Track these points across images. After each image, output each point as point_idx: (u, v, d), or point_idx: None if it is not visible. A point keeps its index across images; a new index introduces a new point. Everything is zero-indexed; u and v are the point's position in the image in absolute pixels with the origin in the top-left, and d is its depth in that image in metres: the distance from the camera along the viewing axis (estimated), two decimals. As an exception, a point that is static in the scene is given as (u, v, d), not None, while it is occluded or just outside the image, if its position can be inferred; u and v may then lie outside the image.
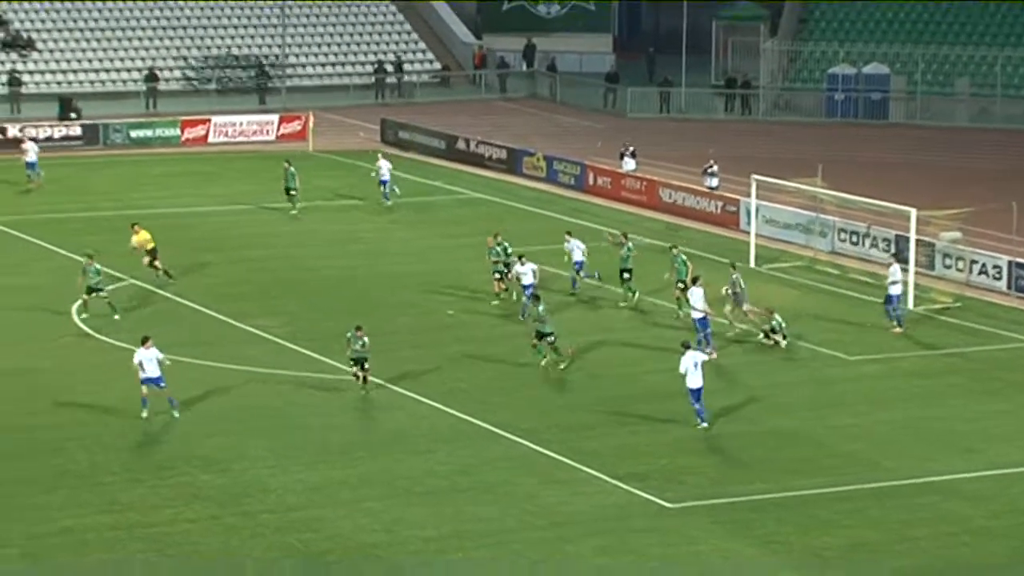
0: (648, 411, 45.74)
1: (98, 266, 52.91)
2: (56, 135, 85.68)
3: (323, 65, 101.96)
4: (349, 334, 45.81)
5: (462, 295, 56.52)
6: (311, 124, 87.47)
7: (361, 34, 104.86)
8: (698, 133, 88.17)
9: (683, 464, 41.57)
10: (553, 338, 48.10)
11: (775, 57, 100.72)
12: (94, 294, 52.73)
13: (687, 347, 44.28)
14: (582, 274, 56.93)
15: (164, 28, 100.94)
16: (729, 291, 52.93)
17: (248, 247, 63.12)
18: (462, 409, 45.37)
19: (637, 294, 55.37)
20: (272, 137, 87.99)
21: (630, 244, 56.41)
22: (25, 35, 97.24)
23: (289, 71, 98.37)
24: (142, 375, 43.42)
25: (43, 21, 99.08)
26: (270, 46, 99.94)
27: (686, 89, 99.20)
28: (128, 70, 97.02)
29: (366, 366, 45.58)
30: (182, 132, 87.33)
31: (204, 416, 44.62)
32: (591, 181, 76.13)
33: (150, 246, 56.57)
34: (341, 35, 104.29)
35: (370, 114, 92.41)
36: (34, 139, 77.14)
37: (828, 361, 51.09)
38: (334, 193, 75.14)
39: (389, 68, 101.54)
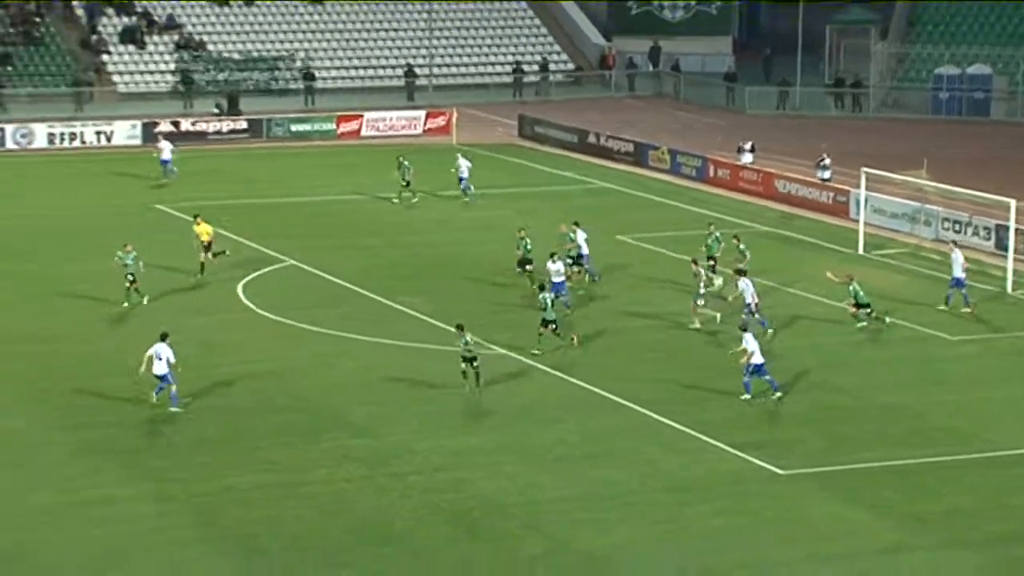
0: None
1: (135, 253, 52.15)
2: (224, 129, 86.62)
3: (465, 66, 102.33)
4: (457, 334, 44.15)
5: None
6: (454, 119, 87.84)
7: (500, 37, 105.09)
8: (811, 129, 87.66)
9: (795, 435, 41.61)
10: (555, 326, 47.65)
11: (884, 58, 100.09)
12: (130, 280, 51.93)
13: (744, 329, 44.56)
14: (586, 266, 56.33)
15: (321, 31, 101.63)
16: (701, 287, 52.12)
17: (397, 233, 63.58)
18: (589, 381, 45.53)
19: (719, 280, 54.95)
20: (419, 131, 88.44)
21: (717, 234, 56.33)
22: (197, 37, 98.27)
23: (435, 71, 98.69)
24: (153, 369, 42.22)
25: (212, 24, 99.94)
26: (418, 48, 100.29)
27: (800, 88, 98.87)
28: (288, 69, 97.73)
29: (475, 364, 43.75)
30: (337, 126, 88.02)
31: (356, 385, 45.02)
32: (711, 173, 76.01)
33: (206, 238, 55.99)
34: (483, 38, 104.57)
35: (508, 110, 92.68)
36: (169, 138, 77.18)
37: (931, 342, 50.71)
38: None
39: (526, 68, 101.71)
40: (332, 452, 39.72)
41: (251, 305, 52.90)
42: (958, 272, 53.31)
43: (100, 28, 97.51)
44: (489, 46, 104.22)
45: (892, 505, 36.84)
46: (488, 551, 34.25)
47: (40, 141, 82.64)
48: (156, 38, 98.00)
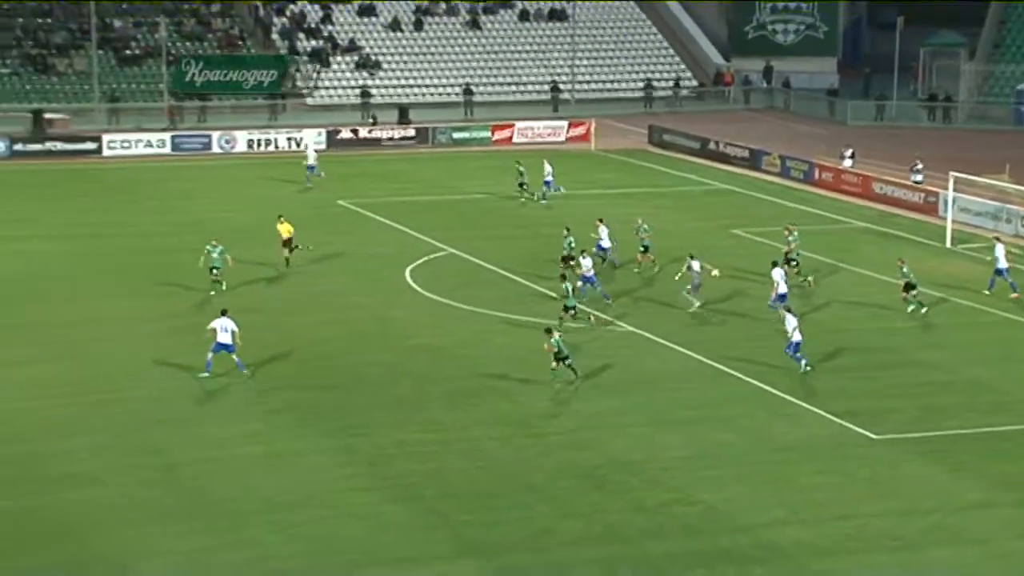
0: (859, 361, 45.54)
1: (221, 248, 51.81)
2: (396, 136, 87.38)
3: (603, 82, 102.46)
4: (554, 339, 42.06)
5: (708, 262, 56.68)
6: (593, 129, 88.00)
7: (633, 58, 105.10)
8: (905, 138, 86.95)
9: (889, 405, 41.31)
10: (574, 311, 47.60)
11: (972, 76, 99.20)
12: (214, 271, 51.48)
13: (789, 311, 44.49)
14: (611, 257, 56.04)
15: (478, 52, 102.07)
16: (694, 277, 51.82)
17: (539, 225, 63.82)
18: (706, 355, 45.53)
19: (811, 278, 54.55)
20: (562, 139, 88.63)
21: (795, 233, 55.75)
22: (374, 58, 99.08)
23: (576, 87, 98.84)
24: (218, 339, 42.21)
25: (387, 46, 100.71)
26: (562, 66, 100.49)
27: (896, 102, 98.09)
28: (450, 85, 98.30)
29: (568, 361, 42.00)
30: (492, 134, 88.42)
31: (506, 358, 45.24)
32: (817, 176, 75.65)
33: (286, 236, 55.33)
34: (618, 58, 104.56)
35: (640, 121, 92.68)
36: (317, 149, 77.75)
37: (1014, 325, 50.30)
38: (599, 182, 75.54)
39: (655, 84, 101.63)
40: (486, 415, 40.09)
41: (417, 287, 53.34)
42: (1002, 263, 53.03)
43: (289, 50, 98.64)
44: (623, 65, 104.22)
45: (977, 468, 36.65)
46: (615, 501, 34.43)
47: (241, 146, 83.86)
48: (339, 58, 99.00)
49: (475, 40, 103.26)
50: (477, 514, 33.54)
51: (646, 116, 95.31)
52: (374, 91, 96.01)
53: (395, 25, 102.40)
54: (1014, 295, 52.76)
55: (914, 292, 50.78)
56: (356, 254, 58.00)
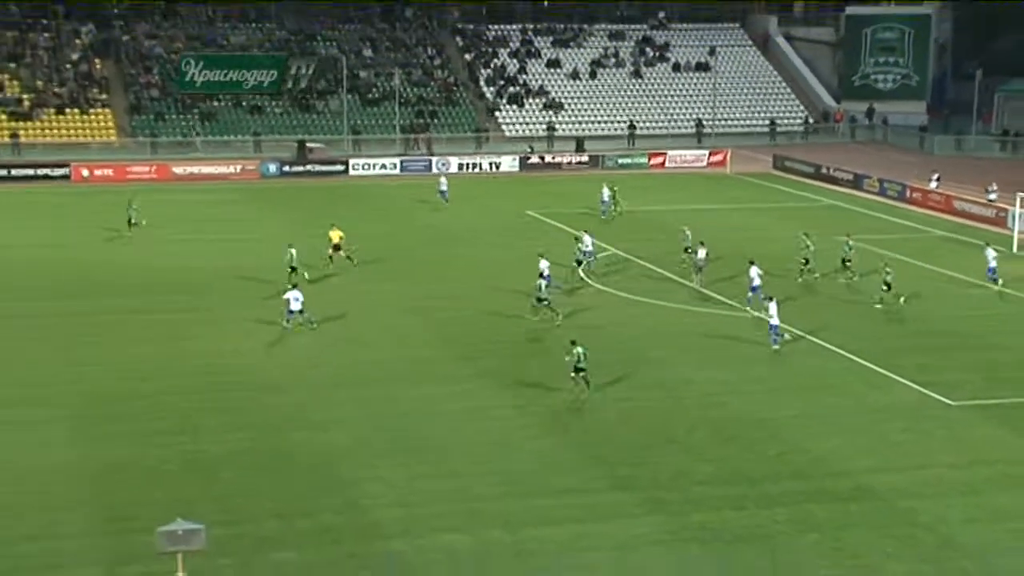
0: (939, 343, 44.73)
1: (294, 252, 50.26)
2: (574, 161, 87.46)
3: (737, 120, 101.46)
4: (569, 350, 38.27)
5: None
6: (729, 156, 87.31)
7: (762, 100, 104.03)
8: (983, 167, 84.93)
9: (963, 377, 40.68)
10: (548, 302, 45.82)
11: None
12: (292, 272, 49.70)
13: (770, 299, 43.79)
14: (589, 262, 53.84)
15: (639, 96, 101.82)
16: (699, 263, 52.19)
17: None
18: (814, 335, 44.95)
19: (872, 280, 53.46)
20: (704, 165, 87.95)
21: (850, 242, 54.08)
22: (558, 100, 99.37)
23: (716, 123, 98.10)
24: (291, 307, 44.04)
25: (568, 91, 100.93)
26: (705, 106, 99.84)
27: (975, 137, 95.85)
28: (617, 122, 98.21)
29: (583, 373, 37.73)
30: (649, 160, 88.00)
31: (652, 335, 45.05)
32: (909, 195, 74.20)
33: (335, 241, 53.57)
34: (749, 101, 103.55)
35: (766, 151, 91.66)
36: (446, 175, 75.52)
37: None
38: (734, 199, 74.85)
39: (778, 122, 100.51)
40: (636, 382, 40.06)
41: (586, 279, 53.34)
42: (991, 263, 52.29)
43: (493, 94, 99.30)
44: (754, 106, 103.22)
45: (1035, 430, 36.02)
46: (741, 450, 34.30)
47: (453, 168, 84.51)
48: (530, 100, 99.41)
49: (637, 86, 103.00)
50: (628, 457, 33.63)
51: (771, 147, 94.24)
52: (557, 126, 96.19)
53: (575, 75, 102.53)
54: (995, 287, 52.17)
55: (849, 270, 51.64)
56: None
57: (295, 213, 67.87)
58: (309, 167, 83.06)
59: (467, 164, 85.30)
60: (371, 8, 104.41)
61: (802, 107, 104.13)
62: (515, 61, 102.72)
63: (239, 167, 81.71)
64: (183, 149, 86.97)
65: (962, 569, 27.81)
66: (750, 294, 48.22)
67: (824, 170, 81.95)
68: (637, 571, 27.51)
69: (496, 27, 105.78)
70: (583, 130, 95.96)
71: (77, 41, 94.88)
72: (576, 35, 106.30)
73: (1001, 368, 41.91)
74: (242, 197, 73.35)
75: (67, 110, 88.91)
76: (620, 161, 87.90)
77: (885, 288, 49.14)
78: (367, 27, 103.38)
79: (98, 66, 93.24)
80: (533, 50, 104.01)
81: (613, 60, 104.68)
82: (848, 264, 53.20)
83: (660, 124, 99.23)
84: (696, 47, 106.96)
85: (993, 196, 69.86)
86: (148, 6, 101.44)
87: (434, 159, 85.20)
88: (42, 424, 35.39)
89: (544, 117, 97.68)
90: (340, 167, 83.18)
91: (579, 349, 37.45)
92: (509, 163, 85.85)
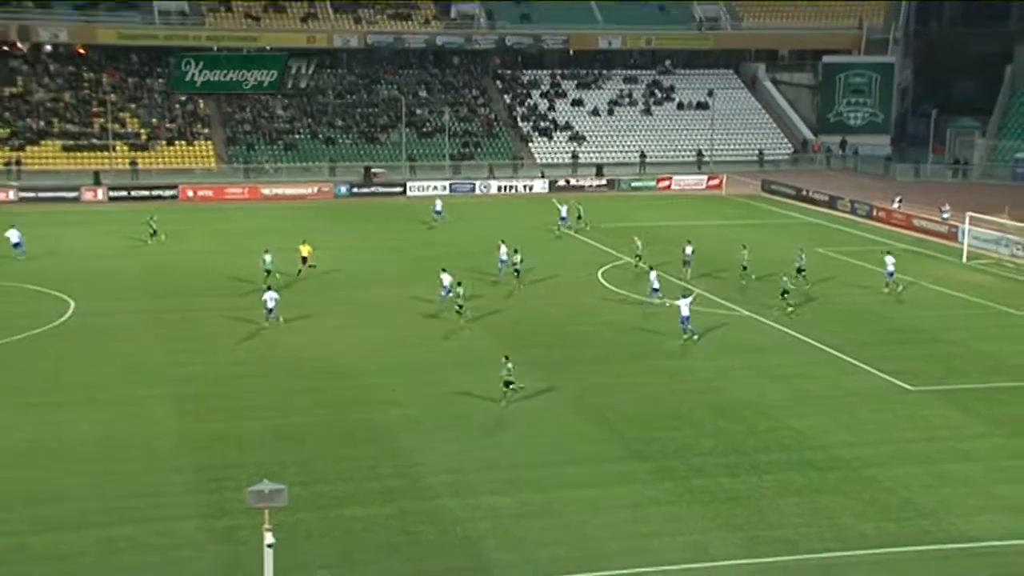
0: (901, 337, 44.32)
1: (268, 257, 50.05)
2: (594, 184, 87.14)
3: (732, 150, 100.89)
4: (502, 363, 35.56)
5: (788, 269, 55.48)
6: (724, 181, 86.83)
7: (751, 134, 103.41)
8: (937, 190, 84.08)
9: (921, 367, 40.37)
10: (461, 307, 44.20)
11: (983, 148, 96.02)
12: (268, 275, 49.40)
13: (685, 295, 43.83)
14: (501, 268, 52.40)
15: (649, 130, 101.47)
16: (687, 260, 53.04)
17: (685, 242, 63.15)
18: (797, 331, 44.68)
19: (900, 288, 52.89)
20: (703, 187, 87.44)
21: (803, 254, 52.84)
22: (581, 133, 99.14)
23: (714, 153, 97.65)
24: (266, 307, 42.96)
25: (589, 126, 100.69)
26: (704, 139, 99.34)
27: (931, 165, 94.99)
28: (630, 151, 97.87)
29: (511, 386, 35.16)
30: (657, 184, 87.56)
31: (662, 330, 44.83)
32: (875, 214, 73.55)
33: (305, 254, 52.26)
34: (741, 135, 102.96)
35: (755, 176, 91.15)
36: (440, 198, 72.98)
37: (1004, 315, 48.52)
38: (728, 216, 74.48)
39: (765, 152, 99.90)
40: (649, 367, 39.96)
41: (606, 283, 53.21)
42: (890, 268, 51.66)
43: (526, 128, 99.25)
44: (745, 139, 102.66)
45: (980, 411, 35.82)
46: (735, 426, 34.15)
47: (493, 190, 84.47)
48: (558, 134, 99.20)
49: (648, 122, 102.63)
50: (641, 432, 33.48)
51: (760, 173, 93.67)
52: (580, 155, 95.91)
53: (595, 112, 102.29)
54: (886, 290, 51.40)
55: (804, 277, 51.07)
56: (566, 262, 57.90)
57: (362, 225, 67.97)
58: (374, 189, 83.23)
59: (504, 186, 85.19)
60: (426, 56, 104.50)
61: (786, 139, 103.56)
62: (545, 100, 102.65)
63: (316, 188, 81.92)
64: (271, 174, 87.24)
65: (920, 527, 27.58)
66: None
67: (804, 192, 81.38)
68: (648, 527, 27.40)
69: (530, 72, 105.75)
70: (602, 158, 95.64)
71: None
72: (596, 79, 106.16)
73: (953, 359, 41.55)
74: (318, 214, 73.49)
75: (176, 142, 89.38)
76: (633, 184, 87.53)
77: (784, 294, 48.06)
78: (422, 72, 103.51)
79: (201, 106, 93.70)
80: (560, 91, 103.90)
81: (627, 100, 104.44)
82: (803, 272, 52.15)
83: (666, 153, 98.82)
84: (697, 89, 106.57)
85: (946, 215, 69.19)
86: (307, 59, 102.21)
87: (478, 182, 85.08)
88: (147, 400, 35.56)
89: (569, 147, 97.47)
90: (399, 189, 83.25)
91: (510, 364, 34.99)
92: (540, 185, 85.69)
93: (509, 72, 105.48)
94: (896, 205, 73.82)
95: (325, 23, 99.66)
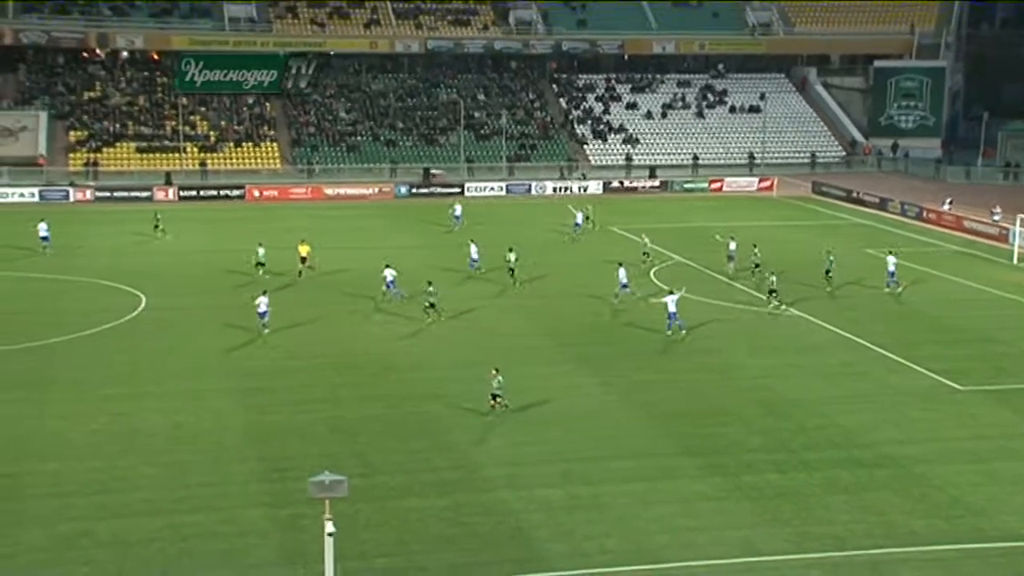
0: (950, 337, 43.63)
1: (261, 251, 50.82)
2: (647, 186, 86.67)
3: (783, 153, 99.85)
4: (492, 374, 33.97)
5: (841, 270, 54.79)
6: (776, 183, 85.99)
7: (803, 136, 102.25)
8: (988, 192, 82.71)
9: (970, 366, 39.76)
10: (432, 306, 43.87)
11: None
12: (259, 267, 50.58)
13: (671, 292, 43.50)
14: (477, 265, 52.17)
15: (702, 133, 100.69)
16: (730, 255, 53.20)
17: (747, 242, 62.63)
18: (845, 329, 44.14)
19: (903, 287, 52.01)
20: (755, 189, 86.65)
21: (831, 256, 51.94)
22: (635, 136, 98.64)
23: (765, 156, 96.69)
24: (259, 311, 42.08)
25: (644, 129, 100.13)
26: (755, 142, 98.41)
27: (982, 168, 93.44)
28: (683, 154, 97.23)
29: (499, 399, 33.65)
30: (709, 185, 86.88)
31: (708, 328, 44.49)
32: (925, 215, 72.45)
33: (304, 253, 51.22)
34: (793, 137, 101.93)
35: (807, 178, 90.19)
36: (460, 204, 69.23)
37: (1054, 315, 47.78)
38: (778, 217, 73.78)
39: (818, 155, 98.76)
40: (697, 364, 39.66)
41: (657, 282, 52.73)
42: (891, 268, 50.68)
43: (582, 131, 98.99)
44: (797, 142, 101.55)
45: (1027, 410, 35.02)
46: (784, 423, 33.80)
47: (548, 191, 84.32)
48: (612, 136, 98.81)
49: (700, 125, 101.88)
50: (690, 428, 33.25)
51: (811, 175, 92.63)
52: (634, 158, 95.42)
53: (649, 115, 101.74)
54: (887, 289, 50.41)
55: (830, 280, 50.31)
56: (616, 263, 57.65)
57: (420, 226, 68.11)
58: (433, 189, 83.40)
59: (558, 188, 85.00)
60: (484, 61, 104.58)
61: (836, 142, 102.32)
62: (600, 104, 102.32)
63: (377, 189, 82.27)
64: (334, 174, 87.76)
65: (971, 525, 27.13)
66: (618, 290, 47.61)
67: (855, 194, 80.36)
68: (697, 521, 27.17)
69: (585, 76, 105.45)
70: (655, 160, 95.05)
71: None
72: (651, 83, 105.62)
73: (1003, 359, 40.83)
74: (379, 213, 73.80)
75: (243, 143, 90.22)
76: (685, 186, 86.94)
77: (771, 293, 47.47)
78: (481, 76, 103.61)
79: (268, 108, 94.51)
80: (615, 95, 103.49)
81: (681, 103, 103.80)
82: (830, 275, 51.16)
83: (719, 156, 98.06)
84: (749, 93, 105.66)
85: (997, 217, 68.14)
86: (308, 60, 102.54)
87: (533, 183, 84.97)
88: (213, 393, 35.87)
89: (623, 150, 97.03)
90: (457, 189, 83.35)
91: (500, 378, 33.43)
92: (594, 187, 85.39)
93: (565, 76, 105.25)
94: (947, 207, 72.73)
95: (387, 29, 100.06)
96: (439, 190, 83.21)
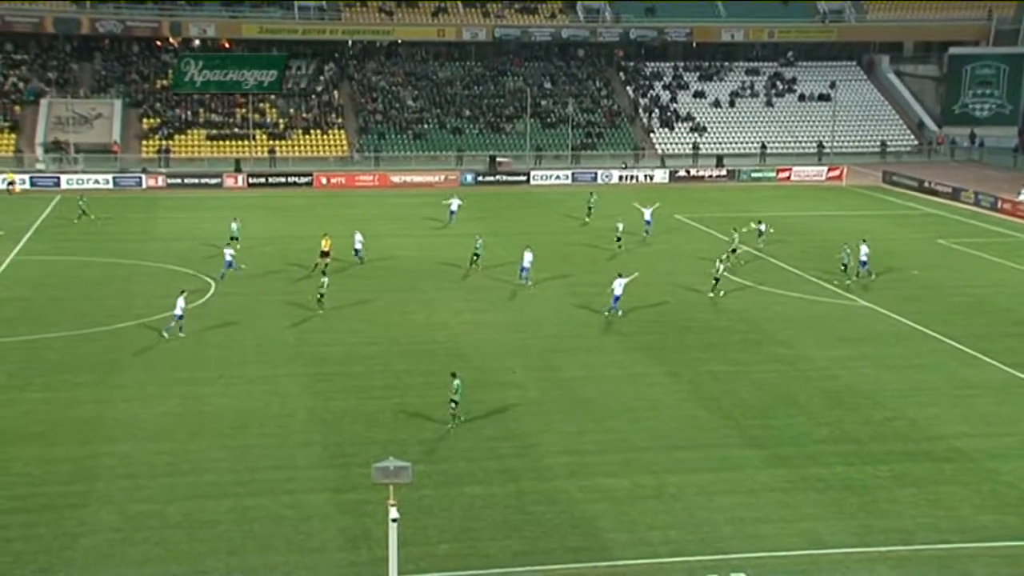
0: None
1: (235, 225, 54.76)
2: (714, 175, 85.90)
3: (853, 142, 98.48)
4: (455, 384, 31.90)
5: (913, 260, 53.90)
6: (845, 172, 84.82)
7: (874, 125, 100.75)
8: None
9: (1041, 360, 38.93)
10: (321, 296, 43.12)
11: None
12: (232, 240, 53.49)
13: (620, 276, 43.52)
14: (361, 255, 51.15)
15: (771, 121, 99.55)
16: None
17: (806, 233, 61.79)
18: (915, 321, 43.46)
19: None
20: (823, 179, 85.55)
21: (848, 249, 50.65)
22: (702, 124, 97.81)
23: (835, 145, 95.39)
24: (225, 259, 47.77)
25: (711, 117, 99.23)
26: (825, 130, 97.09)
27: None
28: (751, 143, 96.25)
29: (455, 406, 31.85)
30: (777, 174, 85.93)
31: (781, 319, 43.96)
32: (1000, 206, 71.08)
33: (326, 248, 49.89)
34: (864, 126, 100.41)
35: (877, 168, 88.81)
36: (458, 195, 66.79)
37: None
38: (847, 207, 72.73)
39: (888, 144, 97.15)
40: (766, 356, 39.29)
41: (725, 273, 52.24)
42: (863, 257, 49.82)
43: (648, 119, 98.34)
44: (867, 130, 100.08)
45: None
46: (851, 415, 33.41)
47: (613, 180, 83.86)
48: (679, 124, 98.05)
49: (769, 113, 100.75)
50: (757, 419, 32.97)
51: (881, 164, 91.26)
52: (701, 146, 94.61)
53: (717, 103, 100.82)
54: (849, 281, 49.42)
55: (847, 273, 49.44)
56: (683, 252, 57.22)
57: (484, 213, 68.18)
58: (498, 177, 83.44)
59: (624, 176, 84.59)
60: (551, 49, 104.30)
61: (908, 131, 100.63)
62: (668, 92, 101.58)
63: (443, 176, 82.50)
64: (400, 162, 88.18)
65: (1041, 522, 26.58)
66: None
67: (927, 184, 79.03)
68: (761, 512, 26.94)
69: (653, 64, 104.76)
70: (722, 149, 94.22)
71: (321, 77, 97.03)
72: (719, 71, 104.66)
73: (1079, 352, 39.94)
74: (442, 200, 73.96)
75: (311, 131, 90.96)
76: (753, 175, 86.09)
77: (715, 282, 47.20)
78: (548, 64, 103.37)
79: (336, 96, 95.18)
80: (683, 83, 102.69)
81: (749, 92, 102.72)
82: (846, 267, 50.04)
83: (787, 145, 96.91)
84: (819, 81, 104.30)
85: (1069, 203, 66.75)
86: (375, 48, 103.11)
87: (599, 171, 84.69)
88: (280, 378, 36.22)
89: (690, 138, 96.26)
90: (523, 178, 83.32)
91: (457, 382, 31.64)
92: (661, 175, 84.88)
93: (632, 64, 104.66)
94: (1023, 197, 71.25)
95: (455, 17, 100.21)
96: (505, 178, 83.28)
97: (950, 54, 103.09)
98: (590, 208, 63.80)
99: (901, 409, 33.83)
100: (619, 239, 56.26)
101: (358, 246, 52.56)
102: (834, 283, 49.50)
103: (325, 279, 45.00)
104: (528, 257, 47.68)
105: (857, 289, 48.64)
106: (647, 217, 59.45)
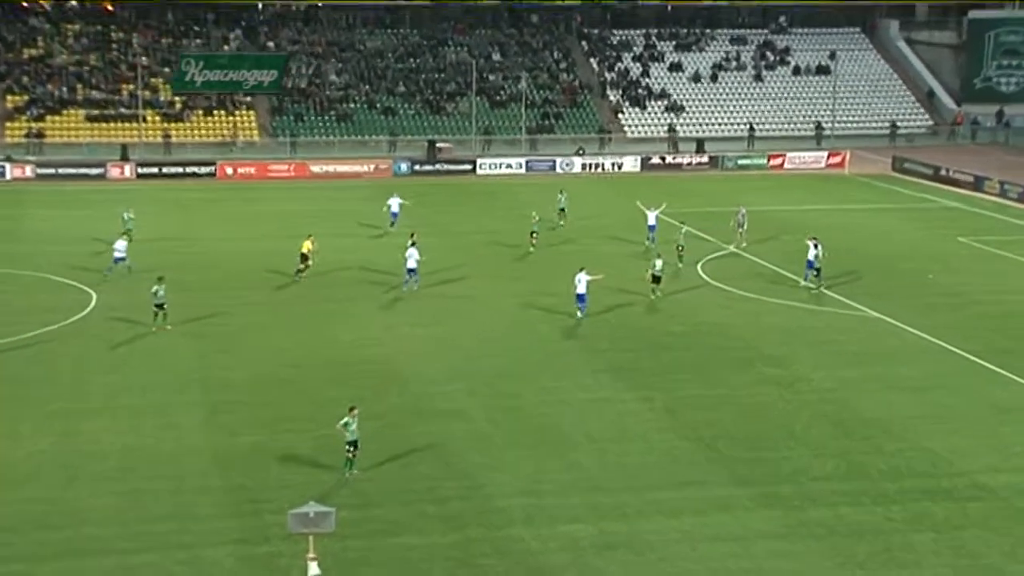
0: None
1: (126, 215, 56.59)
2: (694, 162, 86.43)
3: (856, 122, 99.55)
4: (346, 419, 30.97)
5: (929, 263, 54.46)
6: (848, 158, 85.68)
7: (882, 102, 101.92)
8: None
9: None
10: (161, 303, 43.16)
11: None
12: (125, 233, 54.26)
13: (582, 269, 45.33)
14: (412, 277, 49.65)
15: (760, 99, 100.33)
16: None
17: (802, 230, 62.20)
18: (931, 334, 43.87)
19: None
20: (822, 166, 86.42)
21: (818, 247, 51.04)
22: (679, 103, 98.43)
23: (836, 126, 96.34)
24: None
25: (690, 94, 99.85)
26: (824, 110, 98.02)
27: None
28: (736, 124, 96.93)
29: (353, 449, 30.90)
30: (768, 161, 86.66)
31: (774, 332, 44.23)
32: (1028, 197, 72.43)
33: (306, 250, 50.59)
34: (869, 103, 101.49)
35: (885, 152, 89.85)
36: (397, 193, 65.15)
37: None
38: (851, 200, 73.34)
39: (899, 124, 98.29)
40: (756, 377, 39.43)
41: (706, 278, 52.67)
42: (811, 257, 50.35)
43: (616, 97, 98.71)
44: (873, 109, 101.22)
45: None
46: (859, 446, 33.57)
47: (576, 168, 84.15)
48: (653, 103, 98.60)
49: (758, 89, 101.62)
50: (747, 452, 33.06)
51: (890, 148, 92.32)
52: (678, 128, 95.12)
53: (696, 78, 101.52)
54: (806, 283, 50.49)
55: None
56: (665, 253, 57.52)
57: (422, 209, 68.03)
58: (438, 166, 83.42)
59: (589, 164, 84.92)
60: (500, 14, 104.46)
61: (922, 109, 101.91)
62: (638, 65, 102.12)
63: (373, 166, 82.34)
64: (321, 148, 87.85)
65: (1083, 571, 26.79)
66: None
67: (944, 172, 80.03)
68: (753, 563, 26.96)
69: (620, 32, 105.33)
70: (703, 132, 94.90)
71: (225, 47, 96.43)
72: (698, 40, 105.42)
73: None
74: (374, 194, 73.69)
75: (214, 112, 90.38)
76: (739, 162, 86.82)
77: (653, 281, 48.14)
78: (496, 32, 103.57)
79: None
80: (656, 54, 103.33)
81: (734, 64, 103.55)
82: (819, 271, 50.64)
83: (779, 126, 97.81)
84: (817, 51, 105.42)
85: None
86: (291, 14, 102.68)
87: (559, 159, 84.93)
88: (176, 409, 35.79)
89: (665, 119, 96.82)
90: (468, 166, 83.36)
91: (347, 419, 30.74)
92: (631, 163, 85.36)
93: (596, 32, 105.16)
94: (1051, 186, 72.55)
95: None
96: (446, 167, 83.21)
97: (970, 18, 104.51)
98: (562, 210, 63.31)
99: (917, 439, 34.04)
100: (534, 232, 56.43)
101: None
102: (811, 290, 50.08)
103: (156, 287, 43.60)
104: (583, 279, 45.29)
105: (868, 298, 49.04)
106: (651, 221, 57.71)
